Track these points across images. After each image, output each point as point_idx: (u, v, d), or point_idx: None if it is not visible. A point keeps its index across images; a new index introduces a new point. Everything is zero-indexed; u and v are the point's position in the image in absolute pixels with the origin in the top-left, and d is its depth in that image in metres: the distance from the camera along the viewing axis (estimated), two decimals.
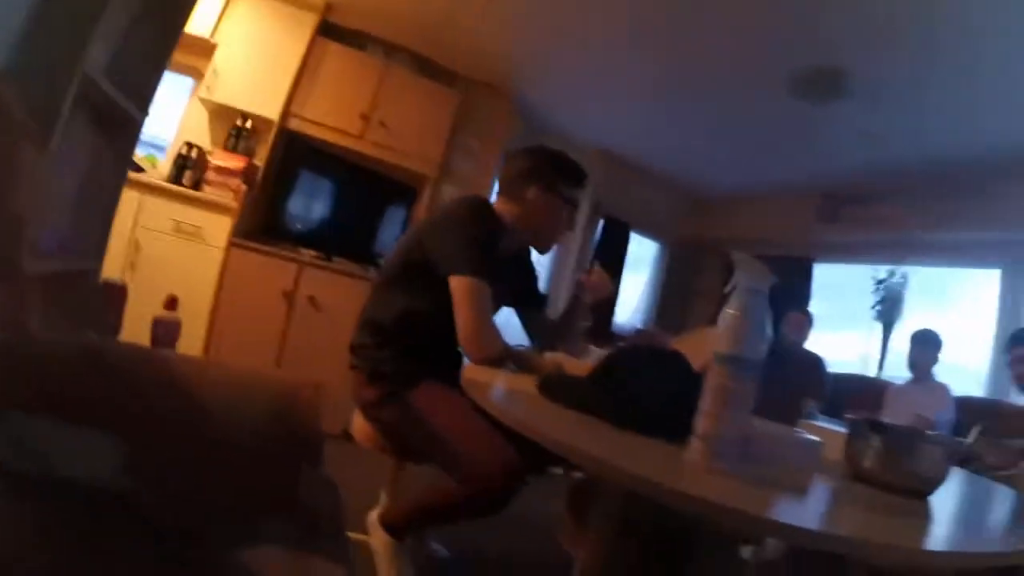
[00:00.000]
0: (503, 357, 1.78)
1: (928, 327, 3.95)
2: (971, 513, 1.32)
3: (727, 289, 1.00)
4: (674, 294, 6.41)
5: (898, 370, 4.28)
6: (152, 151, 3.92)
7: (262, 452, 1.11)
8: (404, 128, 4.25)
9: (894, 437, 1.16)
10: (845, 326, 5.38)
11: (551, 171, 2.07)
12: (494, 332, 1.81)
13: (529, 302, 2.31)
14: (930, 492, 1.13)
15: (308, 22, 4.02)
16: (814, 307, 5.25)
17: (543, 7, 3.67)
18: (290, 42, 3.98)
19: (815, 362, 4.10)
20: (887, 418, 3.44)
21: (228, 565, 0.94)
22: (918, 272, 4.96)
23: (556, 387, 1.32)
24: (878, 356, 4.88)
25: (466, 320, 1.77)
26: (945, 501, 1.20)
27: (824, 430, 1.40)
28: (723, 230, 6.24)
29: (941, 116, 3.92)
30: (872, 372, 4.83)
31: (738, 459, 0.94)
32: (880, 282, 4.98)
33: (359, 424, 2.08)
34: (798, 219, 5.58)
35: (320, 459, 1.22)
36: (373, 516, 1.91)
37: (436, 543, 2.36)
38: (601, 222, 5.87)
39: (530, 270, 2.34)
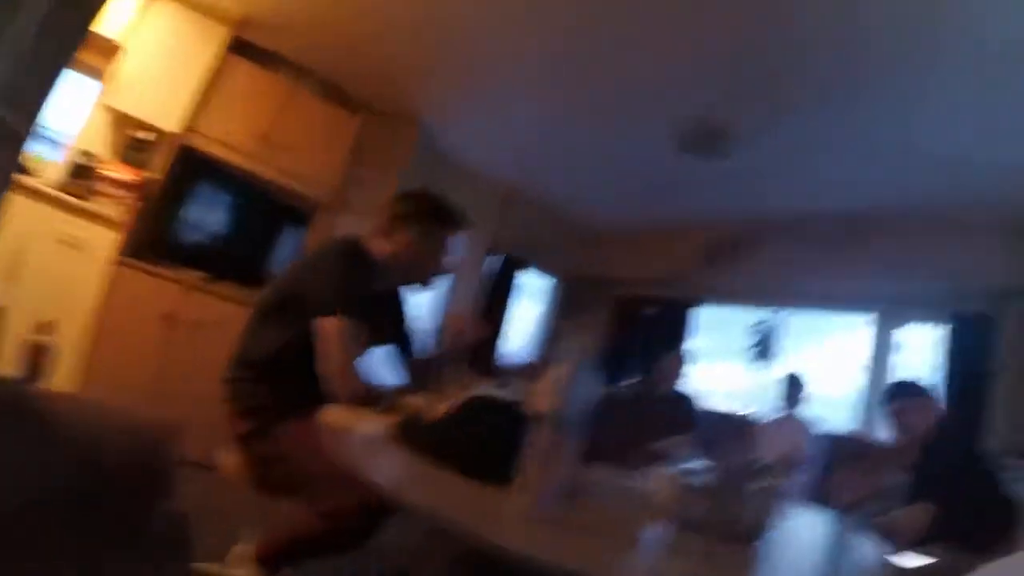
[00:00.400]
0: (367, 397, 1.80)
1: (796, 369, 4.23)
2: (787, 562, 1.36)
3: (561, 350, 1.06)
4: (563, 329, 6.40)
5: (772, 406, 4.51)
6: (50, 147, 3.73)
7: (114, 487, 1.12)
8: (302, 152, 4.20)
9: (718, 484, 1.23)
10: (721, 365, 5.68)
11: (428, 214, 2.13)
12: (356, 373, 1.84)
13: (401, 342, 2.35)
14: (755, 538, 1.19)
15: (220, 36, 3.92)
16: (698, 342, 5.57)
17: (451, 41, 3.74)
18: (200, 55, 3.87)
19: (684, 399, 4.24)
20: (760, 453, 3.67)
21: None
22: (795, 315, 5.30)
23: (413, 431, 1.37)
24: (753, 393, 5.16)
25: (328, 361, 1.80)
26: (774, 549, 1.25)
27: (666, 477, 1.47)
28: (612, 268, 6.44)
29: (823, 170, 4.24)
30: (747, 409, 5.10)
31: (558, 507, 1.00)
32: (757, 324, 5.29)
33: (230, 456, 2.07)
34: (683, 260, 5.81)
35: (172, 494, 1.23)
36: (238, 550, 1.89)
37: None
38: (499, 257, 5.91)
39: (403, 309, 2.37)
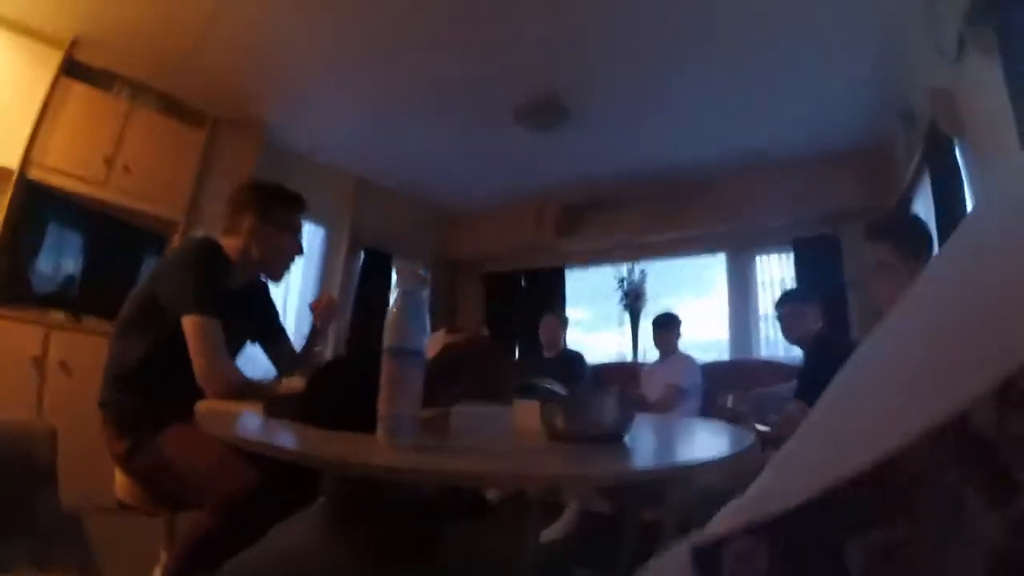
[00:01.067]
0: (242, 390, 1.82)
1: (665, 311, 4.46)
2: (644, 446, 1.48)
3: (393, 290, 1.14)
4: (439, 312, 6.58)
5: (650, 354, 4.78)
6: None
7: None
8: (149, 172, 4.08)
9: (573, 396, 1.35)
10: (602, 327, 5.98)
11: (262, 200, 2.17)
12: (227, 367, 1.87)
13: (270, 336, 2.38)
14: (618, 436, 1.31)
15: (52, 60, 3.74)
16: (575, 312, 5.88)
17: (283, 39, 3.76)
18: (32, 83, 3.68)
19: (573, 357, 4.44)
20: (645, 394, 3.88)
21: None
22: (655, 265, 5.67)
23: (277, 405, 1.42)
24: (631, 345, 5.45)
25: (198, 358, 1.82)
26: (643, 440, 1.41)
27: (527, 404, 1.58)
28: (474, 247, 6.67)
29: (660, 130, 4.55)
30: (628, 359, 5.39)
31: (412, 433, 1.09)
32: (622, 280, 5.59)
33: (120, 480, 2.04)
34: (543, 231, 6.08)
35: (55, 486, 1.24)
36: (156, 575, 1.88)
37: None
38: (362, 252, 5.95)
39: (268, 304, 2.40)
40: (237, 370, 1.91)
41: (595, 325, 6.11)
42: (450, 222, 6.74)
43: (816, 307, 3.23)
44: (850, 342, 3.31)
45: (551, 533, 3.44)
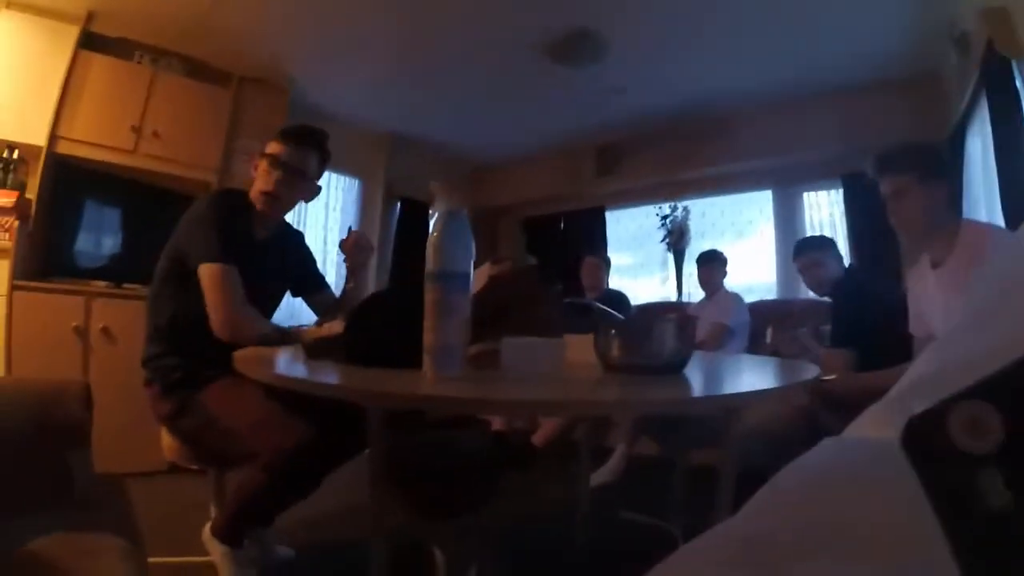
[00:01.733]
0: (261, 338, 1.78)
1: (711, 248, 4.33)
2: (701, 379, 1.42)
3: (431, 213, 1.07)
4: (479, 262, 6.46)
5: (696, 295, 4.67)
6: None
7: (28, 446, 1.10)
8: (178, 136, 4.02)
9: (630, 323, 1.27)
10: (646, 272, 5.89)
11: (275, 138, 2.12)
12: (245, 313, 1.84)
13: (308, 286, 2.34)
14: (677, 367, 1.24)
15: (69, 35, 3.68)
16: (617, 259, 5.67)
17: None
18: (52, 59, 3.63)
19: (618, 299, 4.36)
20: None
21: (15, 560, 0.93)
22: (698, 204, 5.49)
23: (318, 347, 1.37)
24: (675, 284, 5.33)
25: (215, 306, 1.81)
26: (696, 374, 1.31)
27: (580, 338, 1.50)
28: (511, 193, 6.54)
29: (696, 60, 4.35)
30: (673, 299, 5.28)
31: (460, 364, 1.03)
32: (664, 218, 5.44)
33: (166, 441, 2.04)
34: (580, 173, 5.93)
35: (88, 445, 1.21)
36: (206, 531, 1.88)
37: (282, 544, 2.33)
38: (398, 204, 5.89)
39: (303, 253, 2.36)
40: (254, 318, 1.87)
41: (638, 270, 5.97)
42: (485, 169, 6.62)
43: (830, 253, 3.11)
44: (881, 280, 3.15)
45: (598, 477, 3.41)
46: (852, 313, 2.70)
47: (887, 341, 2.35)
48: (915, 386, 0.33)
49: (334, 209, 5.49)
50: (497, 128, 5.72)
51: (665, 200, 5.56)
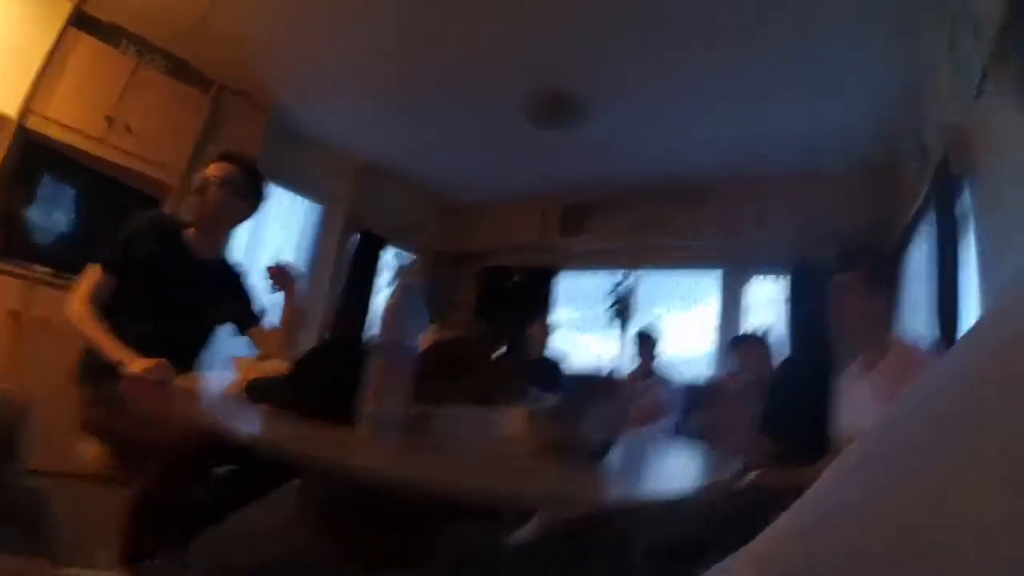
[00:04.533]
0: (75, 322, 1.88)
1: (649, 324, 4.47)
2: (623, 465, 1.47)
3: (388, 284, 1.11)
4: (432, 302, 6.23)
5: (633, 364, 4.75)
6: None
7: None
8: (150, 133, 3.95)
9: (563, 408, 1.32)
10: (592, 329, 5.97)
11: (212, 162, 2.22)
12: (73, 300, 1.92)
13: (243, 319, 2.33)
14: (602, 453, 1.29)
15: (62, 10, 3.61)
16: (565, 314, 5.89)
17: (298, 16, 3.70)
18: (40, 31, 3.54)
19: (551, 365, 4.41)
20: (623, 408, 3.87)
21: None
22: (650, 276, 5.61)
23: (258, 389, 1.39)
24: (615, 353, 5.44)
25: (70, 294, 1.93)
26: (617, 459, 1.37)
27: (518, 410, 1.54)
28: (475, 240, 6.56)
29: (667, 135, 4.52)
30: (611, 365, 5.36)
31: (399, 431, 1.06)
32: (615, 286, 5.56)
33: (93, 449, 1.99)
34: (546, 229, 6.02)
35: (17, 456, 1.20)
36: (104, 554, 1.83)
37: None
38: (358, 235, 5.78)
39: (244, 289, 2.36)
40: (80, 304, 1.92)
41: (585, 326, 6.09)
42: (452, 213, 6.64)
43: (765, 350, 3.31)
44: (816, 374, 3.30)
45: (521, 535, 3.41)
46: (782, 404, 2.80)
47: (812, 436, 2.44)
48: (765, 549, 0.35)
49: (290, 231, 5.43)
50: (470, 173, 5.80)
51: (620, 267, 5.67)
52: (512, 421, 1.37)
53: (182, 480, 1.68)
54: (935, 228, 3.30)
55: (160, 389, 1.62)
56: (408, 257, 5.54)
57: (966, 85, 2.68)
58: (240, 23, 3.80)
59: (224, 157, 2.23)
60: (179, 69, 4.19)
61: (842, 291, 2.21)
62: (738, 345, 3.34)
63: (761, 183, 4.98)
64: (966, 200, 3.06)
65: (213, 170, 2.17)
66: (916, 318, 3.59)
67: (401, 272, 1.15)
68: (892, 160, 4.23)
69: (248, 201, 2.25)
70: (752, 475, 2.25)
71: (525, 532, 3.42)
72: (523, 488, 1.07)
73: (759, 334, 3.55)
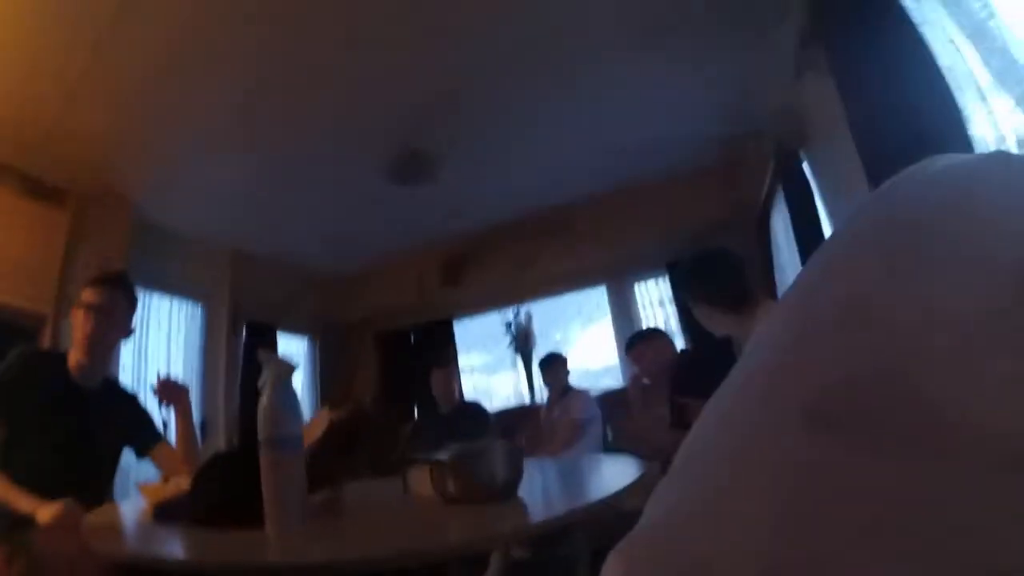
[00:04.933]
0: None
1: (549, 352, 4.56)
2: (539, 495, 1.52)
3: (260, 384, 1.14)
4: (332, 378, 6.48)
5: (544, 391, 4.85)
6: None
7: None
8: (13, 262, 3.71)
9: (458, 459, 1.35)
10: (500, 369, 6.08)
11: (80, 286, 2.20)
12: None
13: (141, 441, 2.29)
14: (511, 491, 1.33)
15: None
16: (470, 360, 6.01)
17: (146, 111, 3.62)
18: None
19: (472, 409, 4.42)
20: (546, 435, 3.94)
21: None
22: (541, 304, 5.81)
23: (165, 509, 1.37)
24: (527, 386, 5.53)
25: None
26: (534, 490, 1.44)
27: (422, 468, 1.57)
28: (360, 308, 6.57)
29: (525, 171, 4.73)
30: (527, 400, 5.46)
31: (301, 522, 1.08)
32: (509, 324, 5.68)
33: None
34: (426, 285, 6.12)
35: None
36: None
37: None
38: (244, 328, 5.62)
39: (138, 413, 2.32)
40: None
41: (493, 368, 6.17)
42: (332, 286, 6.61)
43: (660, 341, 3.37)
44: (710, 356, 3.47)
45: None
46: (686, 393, 2.93)
47: None
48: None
49: (176, 339, 5.13)
50: (343, 243, 5.81)
51: (508, 305, 5.80)
52: (418, 481, 1.41)
53: None
54: (787, 200, 3.59)
55: (73, 532, 1.55)
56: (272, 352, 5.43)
57: (785, 68, 2.94)
58: (90, 127, 3.66)
59: (92, 281, 2.19)
60: (33, 188, 3.95)
61: (700, 320, 2.35)
62: (632, 346, 3.42)
63: (620, 196, 5.25)
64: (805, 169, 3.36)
65: (84, 296, 2.13)
66: (787, 279, 3.87)
67: (268, 365, 1.15)
68: (737, 149, 4.56)
69: (122, 319, 2.21)
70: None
71: None
72: (434, 543, 1.10)
73: (648, 331, 3.67)
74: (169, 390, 2.23)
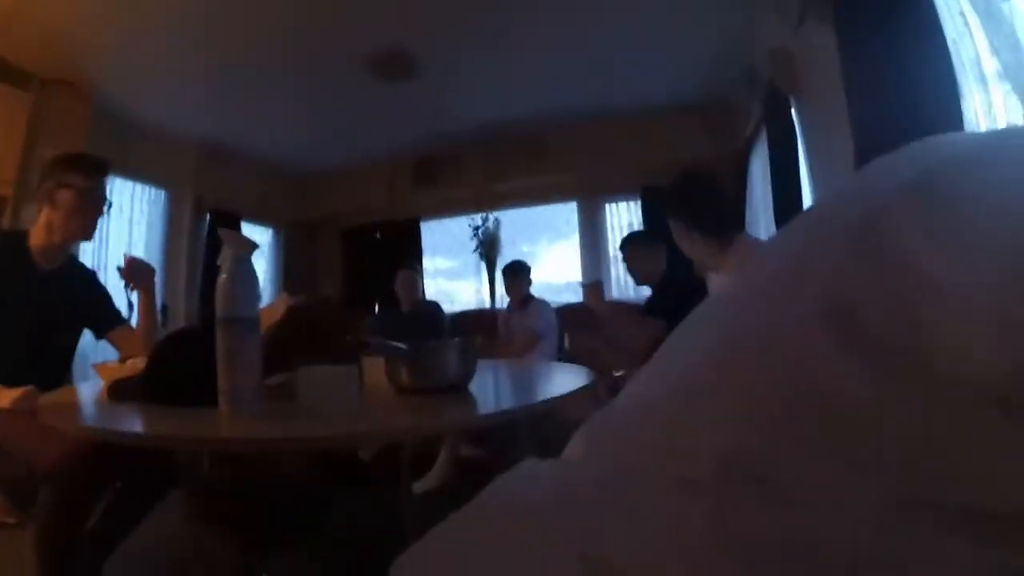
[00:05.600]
0: None
1: (514, 259, 4.56)
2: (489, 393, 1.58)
3: (219, 261, 1.14)
4: (297, 273, 6.46)
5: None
6: None
7: None
8: None
9: (414, 351, 1.40)
10: (463, 275, 6.13)
11: (53, 167, 2.10)
12: None
13: (102, 321, 2.27)
14: (462, 385, 1.38)
15: None
16: (436, 263, 6.04)
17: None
18: None
19: (430, 309, 4.50)
20: (502, 341, 4.02)
21: None
22: (510, 213, 5.82)
23: (120, 388, 1.39)
24: (488, 292, 5.60)
25: None
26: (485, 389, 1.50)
27: (376, 361, 1.62)
28: (328, 205, 6.49)
29: (506, 83, 4.64)
30: (487, 305, 5.54)
31: (255, 402, 1.11)
32: (476, 228, 5.70)
33: None
34: (398, 185, 6.09)
35: None
36: None
37: None
38: (208, 216, 5.53)
39: (98, 293, 2.29)
40: None
41: (457, 273, 6.20)
42: (302, 182, 6.48)
43: (659, 248, 3.27)
44: (694, 282, 3.54)
45: (426, 483, 3.50)
46: (670, 296, 2.99)
47: None
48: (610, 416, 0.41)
49: (138, 223, 5.07)
50: (315, 140, 5.69)
51: (479, 211, 5.80)
52: (375, 370, 1.45)
53: (79, 504, 1.66)
54: (768, 141, 3.59)
55: (33, 416, 1.56)
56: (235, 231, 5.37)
57: (789, 13, 2.90)
58: (56, 8, 3.48)
59: (79, 164, 2.12)
60: None
61: (671, 229, 2.37)
62: (629, 244, 3.41)
63: (603, 121, 5.22)
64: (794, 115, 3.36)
65: (73, 178, 2.06)
66: (758, 221, 3.92)
67: (228, 243, 1.15)
68: (725, 91, 4.53)
69: (98, 202, 2.15)
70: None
71: (431, 478, 3.54)
72: (382, 426, 1.15)
73: (645, 234, 3.68)
74: (136, 271, 2.19)
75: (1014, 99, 1.51)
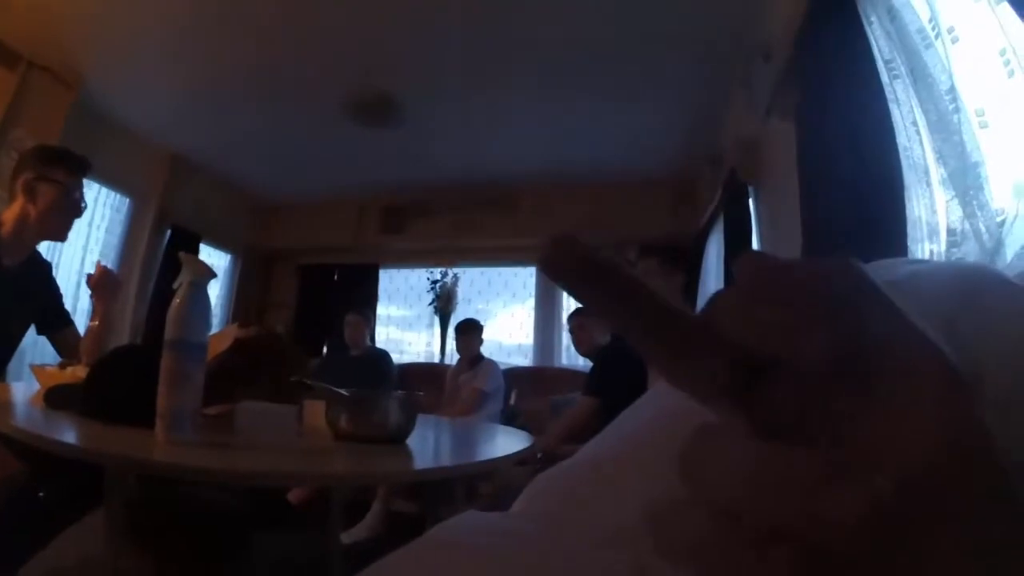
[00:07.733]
0: None
1: (468, 318, 4.63)
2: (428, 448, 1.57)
3: (175, 285, 1.15)
4: (248, 301, 6.45)
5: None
6: None
7: None
8: None
9: (355, 398, 1.41)
10: (416, 325, 6.15)
11: (36, 158, 2.05)
12: None
13: (51, 323, 2.24)
14: (400, 438, 1.39)
15: None
16: (389, 311, 6.07)
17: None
18: None
19: (380, 356, 4.49)
20: (448, 397, 4.03)
21: None
22: (470, 272, 5.90)
23: (56, 395, 1.38)
24: (439, 346, 5.61)
25: None
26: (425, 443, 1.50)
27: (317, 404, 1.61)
28: (291, 238, 6.51)
29: (484, 140, 4.75)
30: (437, 359, 5.55)
31: (192, 429, 1.11)
32: (435, 283, 5.74)
33: None
34: (365, 229, 6.12)
35: None
36: None
37: None
38: (168, 231, 5.44)
39: (47, 286, 2.26)
40: None
41: (410, 323, 6.20)
42: (268, 210, 6.49)
43: (603, 322, 3.42)
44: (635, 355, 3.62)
45: (355, 534, 3.44)
46: (609, 370, 3.07)
47: (633, 397, 2.69)
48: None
49: (98, 227, 4.95)
50: (288, 171, 5.70)
51: (440, 265, 5.84)
52: (315, 413, 1.45)
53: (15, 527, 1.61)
54: (725, 227, 3.72)
55: None
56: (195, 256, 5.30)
57: (757, 106, 3.05)
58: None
59: (62, 159, 2.08)
60: None
61: (644, 271, 2.46)
62: (573, 316, 3.58)
63: (570, 188, 5.37)
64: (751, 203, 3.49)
65: (57, 174, 2.03)
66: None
67: (187, 266, 1.14)
68: (690, 170, 4.71)
69: (78, 202, 2.13)
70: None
71: (361, 528, 3.48)
72: (316, 469, 1.15)
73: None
74: (105, 282, 2.13)
75: (955, 204, 1.60)
